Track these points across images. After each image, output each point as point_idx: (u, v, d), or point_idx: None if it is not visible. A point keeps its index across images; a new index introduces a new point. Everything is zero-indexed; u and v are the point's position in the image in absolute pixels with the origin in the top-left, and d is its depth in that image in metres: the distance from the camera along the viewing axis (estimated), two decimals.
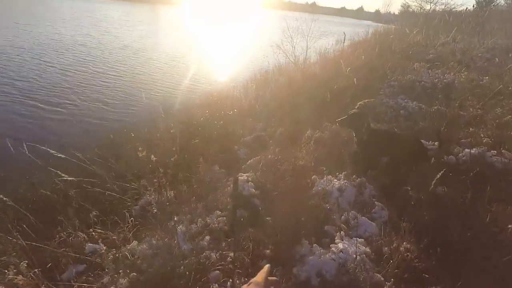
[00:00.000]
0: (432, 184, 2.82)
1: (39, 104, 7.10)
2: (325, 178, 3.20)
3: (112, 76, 9.17)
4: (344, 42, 9.98)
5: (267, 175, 3.80)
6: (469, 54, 9.03)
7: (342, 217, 2.71)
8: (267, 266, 0.79)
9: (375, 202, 2.83)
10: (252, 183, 3.52)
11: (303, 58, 9.06)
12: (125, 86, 8.48)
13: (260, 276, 0.75)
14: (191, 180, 3.97)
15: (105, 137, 5.22)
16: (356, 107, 3.39)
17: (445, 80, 6.45)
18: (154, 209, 2.86)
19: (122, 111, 7.21)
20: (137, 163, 3.63)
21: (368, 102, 3.44)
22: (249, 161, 4.38)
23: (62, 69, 9.32)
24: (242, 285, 0.73)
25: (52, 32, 14.80)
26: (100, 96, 7.81)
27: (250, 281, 0.74)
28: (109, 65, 10.25)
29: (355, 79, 6.54)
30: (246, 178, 3.65)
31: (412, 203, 2.86)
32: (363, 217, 2.62)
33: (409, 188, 3.06)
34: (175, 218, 2.86)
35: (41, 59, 10.15)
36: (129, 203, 3.20)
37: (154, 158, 2.94)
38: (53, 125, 6.33)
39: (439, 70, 7.59)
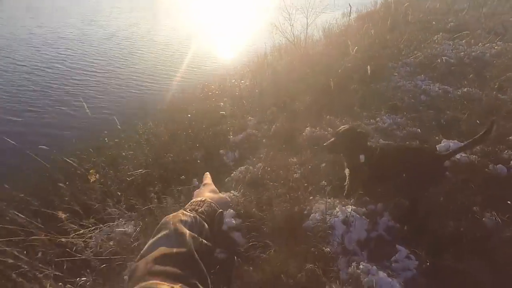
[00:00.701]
0: (475, 209, 1.95)
1: None
2: (324, 203, 2.37)
3: (88, 72, 8.33)
4: (349, 16, 8.76)
5: (254, 193, 3.00)
6: (498, 19, 7.71)
7: (349, 269, 1.89)
8: (206, 173, 0.93)
9: (398, 246, 1.99)
10: (232, 211, 2.74)
11: (304, 37, 7.98)
12: (99, 83, 7.63)
13: (208, 179, 0.90)
14: (161, 202, 3.21)
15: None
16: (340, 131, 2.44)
17: (473, 53, 5.35)
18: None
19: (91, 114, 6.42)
20: (87, 190, 2.87)
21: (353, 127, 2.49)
22: (234, 173, 3.58)
23: (34, 67, 8.52)
24: None
25: (31, 25, 13.91)
26: (62, 97, 6.96)
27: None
28: (87, 59, 9.40)
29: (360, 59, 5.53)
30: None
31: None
32: (381, 272, 1.80)
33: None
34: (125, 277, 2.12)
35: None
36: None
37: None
38: None
39: (463, 41, 6.43)
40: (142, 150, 4.16)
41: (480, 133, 2.07)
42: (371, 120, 3.94)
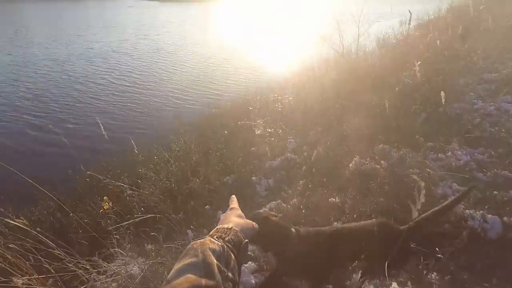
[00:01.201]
0: None
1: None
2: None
3: (130, 85, 8.62)
4: (409, 23, 7.77)
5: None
6: None
7: None
8: (233, 196, 0.90)
9: None
10: (253, 264, 2.23)
11: (355, 48, 7.25)
12: (140, 95, 7.81)
13: (234, 203, 0.86)
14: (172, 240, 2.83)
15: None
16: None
17: None
18: None
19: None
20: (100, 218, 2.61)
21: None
22: (264, 209, 3.07)
23: (84, 79, 9.17)
24: None
25: (91, 40, 15.27)
26: (100, 109, 7.22)
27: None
28: (133, 72, 9.82)
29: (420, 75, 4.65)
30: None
31: None
32: None
33: None
34: None
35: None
36: None
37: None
38: None
39: None
40: (169, 171, 3.89)
41: (454, 198, 1.78)
42: (439, 155, 3.13)
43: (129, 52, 12.96)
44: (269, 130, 5.37)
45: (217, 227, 0.72)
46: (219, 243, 0.63)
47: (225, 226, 0.71)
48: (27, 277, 1.89)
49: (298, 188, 3.39)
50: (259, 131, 5.40)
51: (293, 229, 1.58)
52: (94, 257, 2.18)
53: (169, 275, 0.55)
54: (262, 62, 11.37)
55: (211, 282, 0.54)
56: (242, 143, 4.93)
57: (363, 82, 6.59)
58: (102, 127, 2.56)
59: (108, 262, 2.28)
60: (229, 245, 0.65)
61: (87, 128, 6.23)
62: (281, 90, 7.74)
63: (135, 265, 2.58)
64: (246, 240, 0.70)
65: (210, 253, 0.59)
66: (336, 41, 7.02)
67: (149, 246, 2.89)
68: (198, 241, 0.63)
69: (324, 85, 7.29)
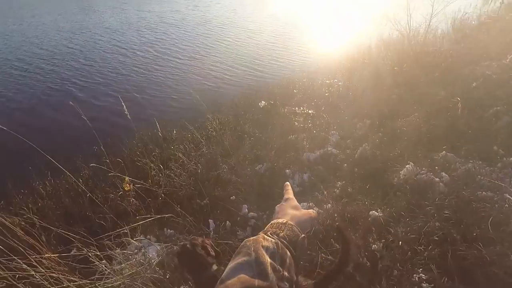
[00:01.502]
0: None
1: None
2: None
3: (173, 58, 8.59)
4: (502, 1, 6.36)
5: (310, 258, 2.14)
6: None
7: None
8: (287, 183, 0.84)
9: None
10: None
11: (424, 30, 6.22)
12: (179, 70, 7.70)
13: (289, 192, 0.80)
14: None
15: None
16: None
17: None
18: None
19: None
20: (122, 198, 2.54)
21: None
22: None
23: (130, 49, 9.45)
24: None
25: (144, 10, 15.54)
26: (141, 80, 7.30)
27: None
28: (177, 44, 9.77)
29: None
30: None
31: None
32: None
33: None
34: None
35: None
36: None
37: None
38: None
39: None
40: (199, 153, 3.73)
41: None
42: None
43: (177, 23, 12.93)
44: (311, 117, 4.92)
45: (271, 222, 0.69)
46: (273, 240, 0.61)
47: (280, 220, 0.68)
48: (39, 256, 1.86)
49: (335, 190, 3.00)
50: (301, 118, 4.97)
51: None
52: (108, 241, 2.09)
53: (223, 274, 0.55)
54: (313, 42, 10.54)
55: (264, 283, 0.52)
56: (280, 129, 4.58)
57: (430, 71, 5.64)
58: (124, 106, 2.41)
59: (123, 247, 2.19)
60: (284, 241, 0.62)
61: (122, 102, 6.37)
62: (331, 74, 7.08)
63: (151, 248, 2.50)
64: (303, 235, 0.66)
65: (263, 252, 0.57)
66: (402, 21, 6.05)
67: (170, 231, 2.81)
68: (251, 238, 0.61)
69: (380, 72, 6.45)
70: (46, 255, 1.88)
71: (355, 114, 4.93)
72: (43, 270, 1.67)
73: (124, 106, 2.35)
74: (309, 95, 5.98)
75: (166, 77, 7.21)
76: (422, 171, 2.77)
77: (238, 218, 2.88)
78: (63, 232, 1.82)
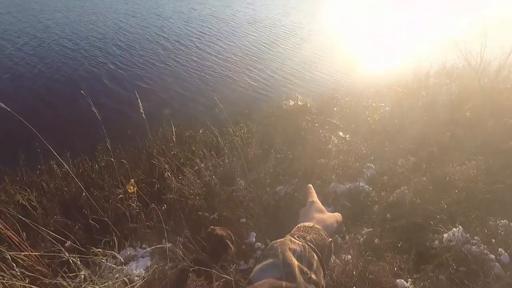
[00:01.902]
0: None
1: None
2: None
3: (213, 56, 8.54)
4: None
5: None
6: None
7: None
8: (310, 186, 0.84)
9: None
10: None
11: (499, 63, 5.40)
12: (218, 70, 7.56)
13: (313, 195, 0.81)
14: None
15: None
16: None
17: None
18: None
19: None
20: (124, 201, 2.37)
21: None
22: None
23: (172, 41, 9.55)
24: None
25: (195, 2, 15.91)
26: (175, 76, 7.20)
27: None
28: (220, 42, 9.73)
29: None
30: None
31: None
32: None
33: None
34: None
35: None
36: None
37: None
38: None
39: None
40: (218, 162, 3.50)
41: None
42: None
43: (227, 19, 12.92)
44: (347, 142, 4.45)
45: (298, 225, 0.69)
46: (300, 243, 0.61)
47: (307, 224, 0.68)
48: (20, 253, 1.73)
49: (359, 238, 2.57)
50: (336, 140, 4.53)
51: None
52: (93, 248, 1.91)
53: (250, 275, 0.56)
54: (364, 60, 9.86)
55: (291, 284, 0.53)
56: (310, 150, 4.19)
57: (499, 114, 4.86)
58: (140, 102, 2.23)
59: (110, 258, 2.00)
60: (312, 244, 0.62)
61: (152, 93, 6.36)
62: (378, 97, 6.46)
63: (143, 261, 2.31)
64: (330, 239, 0.67)
65: (290, 254, 0.58)
66: (474, 50, 5.28)
67: (168, 244, 2.60)
68: (278, 240, 0.62)
69: (436, 104, 5.74)
70: (25, 253, 1.75)
71: (398, 148, 4.39)
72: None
73: (140, 102, 2.16)
74: (349, 117, 5.49)
75: (201, 74, 7.12)
76: (473, 241, 2.24)
77: (243, 246, 2.58)
78: (50, 232, 1.66)
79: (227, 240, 1.91)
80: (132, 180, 2.25)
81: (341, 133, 4.66)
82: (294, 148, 4.26)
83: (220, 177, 3.28)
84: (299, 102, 5.51)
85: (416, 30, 15.02)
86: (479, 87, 5.26)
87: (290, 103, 5.37)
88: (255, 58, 8.54)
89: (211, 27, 11.36)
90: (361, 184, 3.35)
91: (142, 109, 2.17)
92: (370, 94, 6.59)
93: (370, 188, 3.34)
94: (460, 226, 2.35)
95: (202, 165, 3.25)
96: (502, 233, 2.25)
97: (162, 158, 3.20)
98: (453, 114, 5.18)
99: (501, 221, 2.44)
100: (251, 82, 6.95)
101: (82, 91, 2.22)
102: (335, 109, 5.89)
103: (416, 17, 19.60)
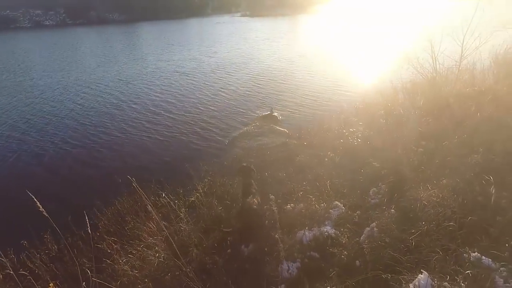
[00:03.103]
0: None
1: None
2: None
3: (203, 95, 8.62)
4: None
5: None
6: None
7: None
8: None
9: None
10: None
11: (456, 72, 5.40)
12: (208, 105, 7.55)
13: None
14: None
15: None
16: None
17: None
18: None
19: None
20: None
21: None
22: None
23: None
24: None
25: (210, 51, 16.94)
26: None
27: None
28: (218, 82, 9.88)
29: None
30: None
31: None
32: None
33: None
34: None
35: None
36: None
37: None
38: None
39: None
40: (169, 232, 3.24)
41: None
42: None
43: (223, 69, 13.72)
44: (317, 177, 4.21)
45: None
46: None
47: None
48: None
49: None
50: (306, 178, 4.29)
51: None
52: None
53: None
54: (334, 83, 10.01)
55: None
56: (276, 193, 3.94)
57: (464, 119, 4.73)
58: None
59: None
60: None
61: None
62: (348, 121, 6.36)
63: None
64: None
65: None
66: (426, 64, 5.31)
67: None
68: None
69: (405, 120, 5.62)
70: None
71: (372, 174, 4.17)
72: None
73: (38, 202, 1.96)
74: (321, 146, 5.32)
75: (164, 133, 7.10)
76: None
77: None
78: None
79: None
80: (51, 284, 1.99)
81: (311, 169, 4.45)
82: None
83: (173, 251, 3.00)
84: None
85: (377, 48, 15.71)
86: (440, 97, 5.19)
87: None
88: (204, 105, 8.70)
89: (171, 83, 11.72)
90: (326, 230, 3.07)
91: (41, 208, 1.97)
92: (341, 118, 6.50)
93: (338, 232, 3.06)
94: (424, 272, 2.06)
95: (151, 238, 2.99)
96: (470, 274, 1.95)
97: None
98: (422, 127, 5.05)
99: (472, 254, 2.16)
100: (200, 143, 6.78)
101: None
102: (305, 143, 5.75)
103: (375, 35, 20.66)
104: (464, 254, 2.22)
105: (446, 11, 25.30)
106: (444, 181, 3.33)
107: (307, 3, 63.29)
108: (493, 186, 2.27)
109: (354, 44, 18.31)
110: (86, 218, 2.28)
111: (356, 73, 10.96)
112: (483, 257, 2.11)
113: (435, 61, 5.17)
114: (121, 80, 12.83)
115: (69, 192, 4.99)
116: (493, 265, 2.04)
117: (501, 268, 2.02)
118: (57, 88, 11.85)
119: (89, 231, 2.58)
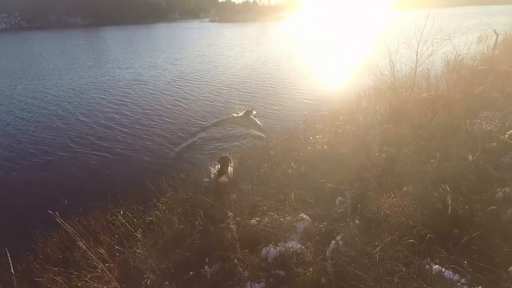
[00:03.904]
0: None
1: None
2: None
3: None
4: (496, 48, 5.77)
5: None
6: None
7: None
8: None
9: None
10: None
11: (413, 78, 5.61)
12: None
13: None
14: None
15: None
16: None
17: None
18: None
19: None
20: None
21: None
22: None
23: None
24: None
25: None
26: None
27: None
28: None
29: None
30: None
31: None
32: None
33: None
34: None
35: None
36: None
37: None
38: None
39: None
40: (123, 258, 2.94)
41: None
42: None
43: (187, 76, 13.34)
44: (283, 188, 4.10)
45: None
46: None
47: None
48: None
49: None
50: (271, 190, 4.14)
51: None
52: None
53: None
54: (300, 91, 10.04)
55: None
56: (241, 207, 3.75)
57: (422, 124, 4.91)
58: None
59: None
60: None
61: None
62: (315, 128, 6.36)
63: None
64: None
65: None
66: (385, 71, 5.47)
67: None
68: None
69: (368, 126, 5.73)
70: None
71: (338, 182, 4.14)
72: None
73: None
74: (286, 156, 5.24)
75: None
76: None
77: None
78: None
79: None
80: None
81: (277, 180, 4.32)
82: (226, 204, 3.83)
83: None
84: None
85: (339, 55, 16.31)
86: (399, 102, 5.37)
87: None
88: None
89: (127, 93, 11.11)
90: (291, 245, 2.94)
91: None
92: (307, 127, 6.48)
93: (304, 247, 2.95)
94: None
95: (102, 265, 2.67)
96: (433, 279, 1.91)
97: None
98: (384, 133, 5.16)
99: (434, 266, 2.13)
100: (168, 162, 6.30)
101: None
102: (271, 152, 5.63)
103: (337, 42, 21.49)
104: (426, 266, 2.21)
105: (399, 20, 27.00)
106: (405, 188, 3.38)
107: (275, 9, 64.64)
108: (449, 197, 2.27)
109: (318, 51, 18.82)
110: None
111: (321, 80, 11.09)
112: (444, 269, 2.09)
113: (393, 68, 5.34)
114: (73, 89, 11.85)
115: (6, 217, 4.46)
116: (454, 277, 2.03)
117: (461, 280, 2.01)
118: None
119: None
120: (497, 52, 5.65)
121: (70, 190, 4.94)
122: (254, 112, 7.71)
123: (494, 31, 5.35)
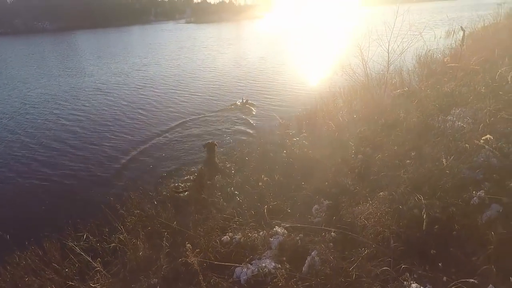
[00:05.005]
0: None
1: None
2: None
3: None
4: (463, 43, 5.83)
5: None
6: None
7: None
8: None
9: None
10: None
11: (386, 77, 5.55)
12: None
13: None
14: None
15: None
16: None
17: None
18: None
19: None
20: None
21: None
22: None
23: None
24: None
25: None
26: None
27: None
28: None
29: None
30: None
31: None
32: None
33: None
34: None
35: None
36: None
37: None
38: None
39: None
40: None
41: None
42: None
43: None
44: (257, 198, 3.89)
45: None
46: None
47: None
48: None
49: None
50: (244, 202, 3.90)
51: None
52: None
53: None
54: (274, 93, 9.76)
55: None
56: (211, 221, 3.50)
57: (393, 123, 4.85)
58: None
59: None
60: None
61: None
62: (290, 131, 6.20)
63: None
64: None
65: None
66: (359, 70, 5.39)
67: None
68: None
69: (344, 127, 5.64)
70: None
71: (314, 187, 3.99)
72: None
73: None
74: (264, 162, 5.05)
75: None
76: None
77: None
78: None
79: None
80: None
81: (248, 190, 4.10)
82: (193, 222, 3.55)
83: None
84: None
85: (313, 54, 16.33)
86: (372, 100, 5.30)
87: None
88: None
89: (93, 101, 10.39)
90: (266, 264, 2.73)
91: None
92: (282, 130, 6.32)
93: (279, 266, 2.75)
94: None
95: None
96: None
97: None
98: (360, 133, 5.07)
99: (412, 285, 1.99)
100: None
101: None
102: (246, 158, 5.41)
103: (310, 42, 21.62)
104: (404, 283, 2.07)
105: (368, 17, 27.48)
106: (381, 193, 3.27)
107: (250, 8, 64.53)
108: (424, 211, 2.14)
109: (290, 51, 18.75)
110: None
111: (295, 81, 10.88)
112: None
113: (366, 66, 5.26)
114: (24, 103, 10.61)
115: None
116: None
117: None
118: None
119: None
120: (464, 47, 5.70)
121: (24, 217, 4.47)
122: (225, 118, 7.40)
123: (461, 27, 5.41)
